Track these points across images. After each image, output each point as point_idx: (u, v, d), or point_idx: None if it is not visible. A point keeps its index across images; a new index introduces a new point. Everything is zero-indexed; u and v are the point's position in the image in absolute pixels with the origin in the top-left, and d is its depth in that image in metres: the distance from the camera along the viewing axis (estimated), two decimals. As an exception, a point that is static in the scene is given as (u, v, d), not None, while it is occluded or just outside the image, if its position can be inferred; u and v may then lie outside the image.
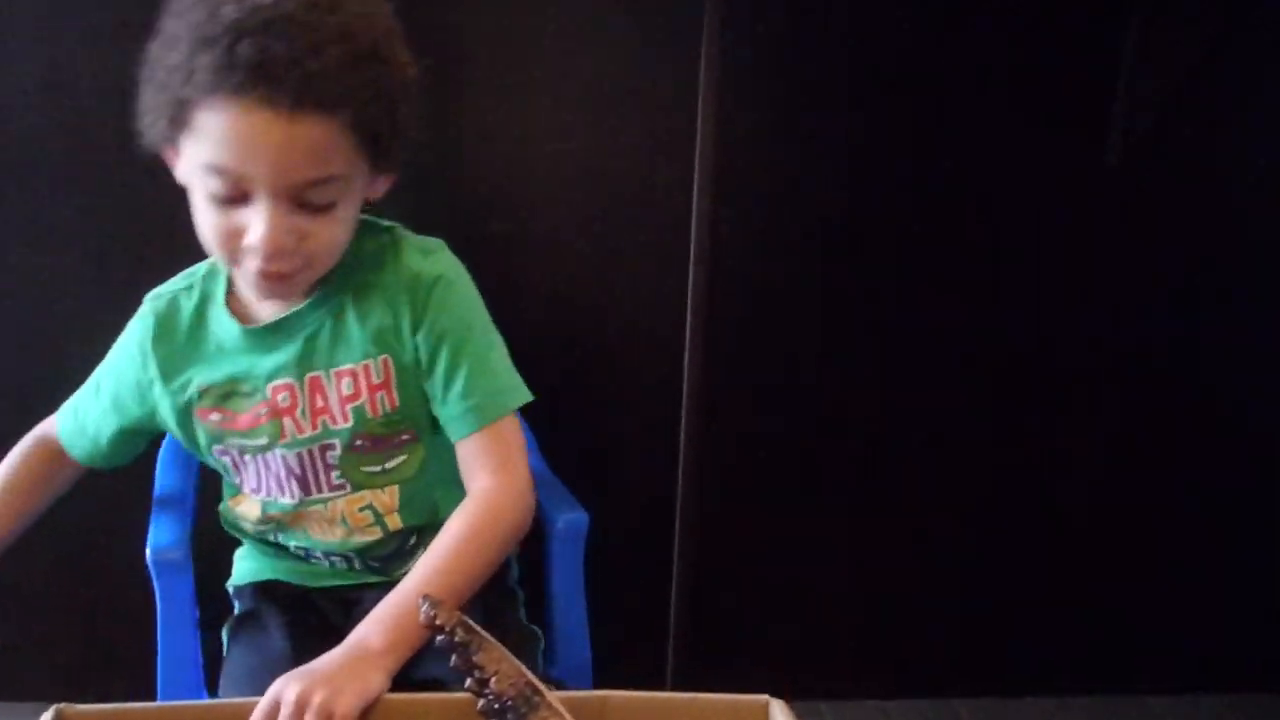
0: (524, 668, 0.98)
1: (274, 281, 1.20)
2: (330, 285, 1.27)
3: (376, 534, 1.33)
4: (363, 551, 1.35)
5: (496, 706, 0.95)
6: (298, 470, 1.30)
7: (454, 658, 0.97)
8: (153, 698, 1.37)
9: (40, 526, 1.91)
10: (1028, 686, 2.18)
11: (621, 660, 1.49)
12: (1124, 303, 2.04)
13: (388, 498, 1.32)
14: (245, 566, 1.44)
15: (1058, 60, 1.92)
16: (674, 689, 2.00)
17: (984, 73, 1.92)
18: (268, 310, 1.29)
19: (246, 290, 1.26)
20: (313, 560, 1.37)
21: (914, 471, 2.08)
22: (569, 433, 1.75)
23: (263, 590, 1.39)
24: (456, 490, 1.31)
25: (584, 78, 1.85)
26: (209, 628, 1.40)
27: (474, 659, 0.97)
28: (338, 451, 1.29)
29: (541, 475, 1.56)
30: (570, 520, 1.48)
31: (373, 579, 1.38)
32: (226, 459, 1.33)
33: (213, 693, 1.38)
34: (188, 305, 1.31)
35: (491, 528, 1.23)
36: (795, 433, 2.04)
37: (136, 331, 1.33)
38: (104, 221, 1.85)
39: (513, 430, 1.29)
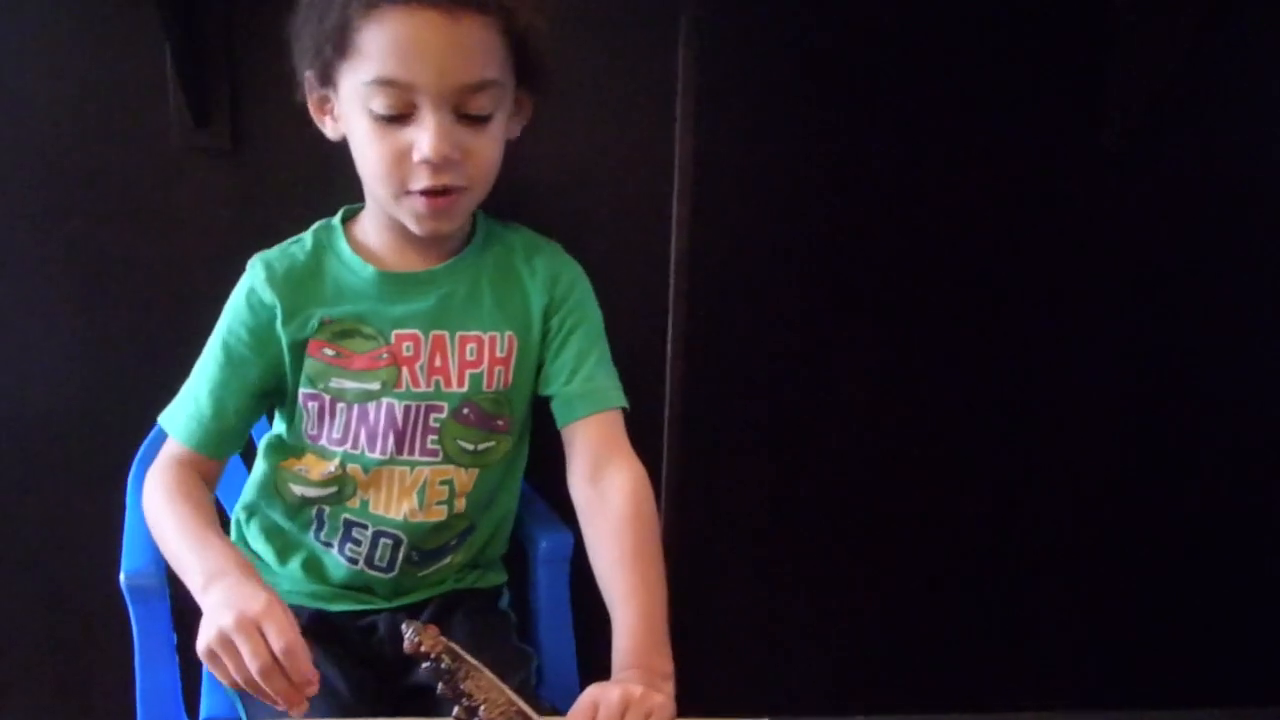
0: (513, 694, 0.96)
1: (439, 202, 1.26)
2: (468, 253, 1.36)
3: (442, 514, 1.36)
4: (416, 537, 1.36)
5: (485, 735, 0.93)
6: (399, 424, 1.32)
7: (440, 685, 0.95)
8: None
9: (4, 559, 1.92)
10: (1023, 702, 2.16)
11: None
12: (1126, 301, 2.00)
13: (467, 478, 1.36)
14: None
15: (1048, 48, 1.87)
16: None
17: (971, 70, 1.88)
18: (401, 264, 1.35)
19: (412, 225, 1.29)
20: (333, 555, 1.36)
21: (903, 481, 2.05)
22: (550, 447, 1.73)
23: None
24: (510, 506, 1.44)
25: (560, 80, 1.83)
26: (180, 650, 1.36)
27: (461, 686, 0.95)
28: (443, 415, 1.33)
29: (524, 494, 1.54)
30: (554, 540, 1.47)
31: (380, 603, 1.38)
32: (315, 405, 1.33)
33: (191, 718, 1.36)
34: (300, 253, 1.36)
35: (654, 515, 1.29)
36: (779, 444, 2.02)
37: (245, 285, 1.35)
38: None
39: (620, 420, 1.36)
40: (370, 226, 1.36)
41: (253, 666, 1.02)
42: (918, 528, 2.07)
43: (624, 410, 1.36)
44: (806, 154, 1.89)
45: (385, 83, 1.21)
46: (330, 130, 1.32)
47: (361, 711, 1.22)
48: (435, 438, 1.33)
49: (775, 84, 1.86)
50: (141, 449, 1.50)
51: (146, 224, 1.76)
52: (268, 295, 1.32)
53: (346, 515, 1.35)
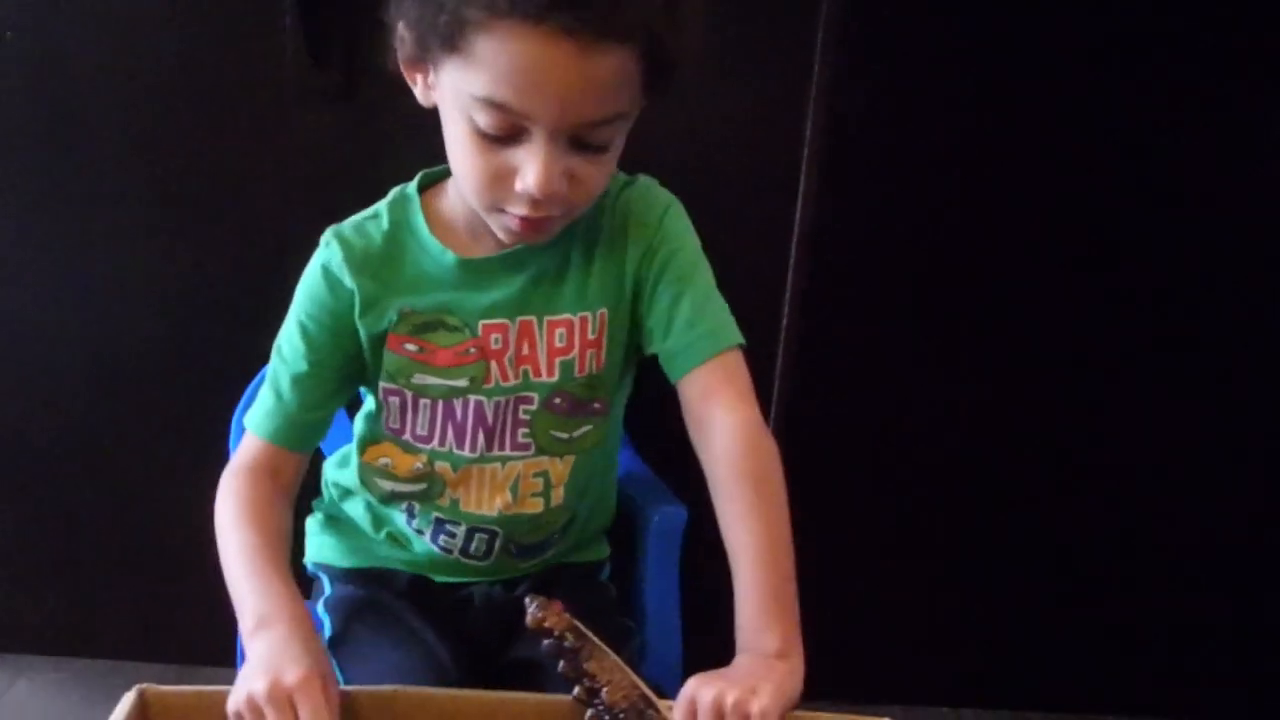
0: (636, 677, 0.92)
1: (533, 229, 1.12)
2: None
3: (538, 507, 1.26)
4: (514, 530, 1.27)
5: (607, 717, 0.90)
6: (489, 421, 1.22)
7: (562, 663, 0.92)
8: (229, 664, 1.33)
9: (116, 495, 1.93)
10: (1039, 701, 2.12)
11: (708, 662, 1.45)
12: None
13: (563, 467, 1.25)
14: (331, 549, 1.38)
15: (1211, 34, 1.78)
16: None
17: (1127, 63, 1.80)
18: (484, 246, 1.20)
19: (501, 235, 1.16)
20: (425, 542, 1.30)
21: (1002, 489, 2.01)
22: (658, 415, 1.70)
23: (371, 576, 1.32)
24: (609, 481, 1.34)
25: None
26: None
27: (584, 666, 0.91)
28: (534, 406, 1.21)
29: (634, 468, 1.51)
30: (667, 514, 1.42)
31: (471, 576, 1.32)
32: (396, 400, 1.23)
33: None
34: (377, 231, 1.22)
35: (777, 469, 1.14)
36: (886, 430, 1.98)
37: (321, 260, 1.21)
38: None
39: (743, 364, 1.19)
40: (455, 202, 1.21)
41: None
42: (1041, 522, 2.02)
43: (737, 346, 1.20)
44: (945, 136, 1.83)
45: (496, 105, 1.03)
46: (421, 96, 1.15)
47: (459, 682, 1.16)
48: (526, 430, 1.23)
49: (918, 59, 1.80)
50: (245, 395, 1.48)
51: (255, 164, 1.74)
52: (346, 278, 1.19)
53: (438, 514, 1.27)
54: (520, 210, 1.08)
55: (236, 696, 0.98)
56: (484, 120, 1.04)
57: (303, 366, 1.20)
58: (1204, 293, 1.91)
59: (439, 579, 1.32)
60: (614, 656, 0.92)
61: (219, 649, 1.63)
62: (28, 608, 2.01)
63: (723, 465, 1.14)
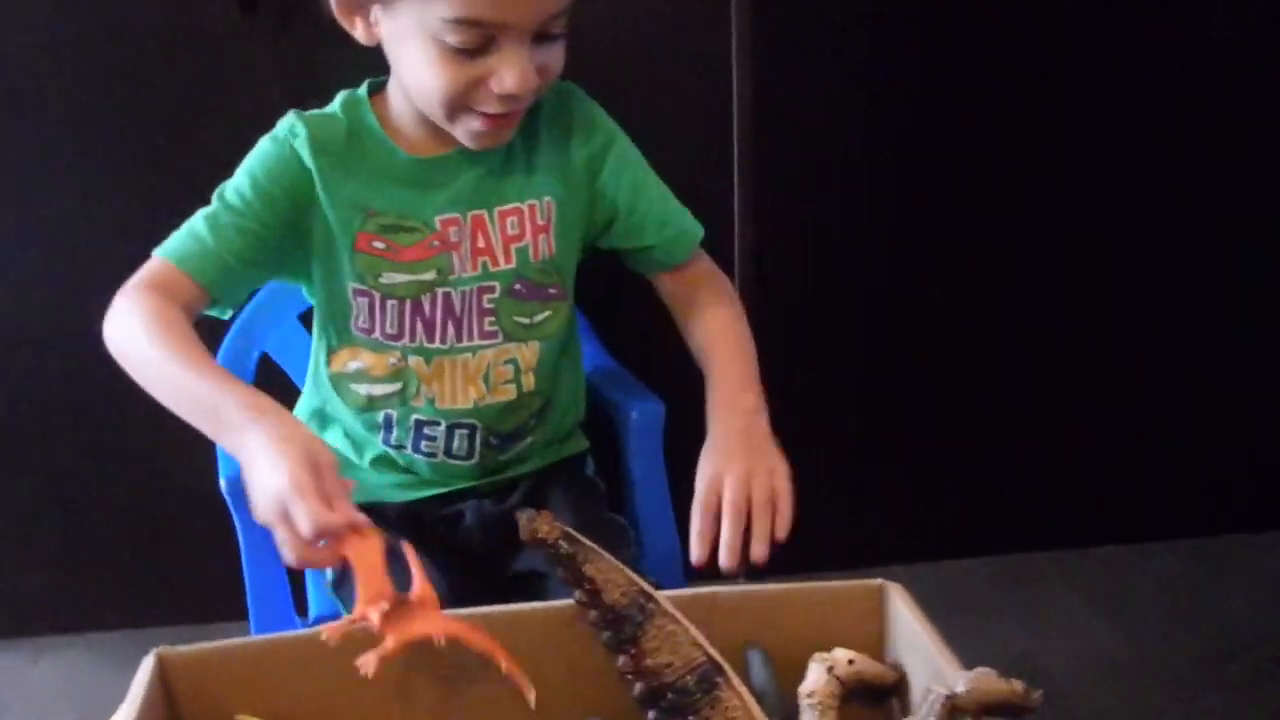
0: (632, 573, 0.94)
1: (503, 122, 1.20)
2: None
3: (511, 394, 1.32)
4: (490, 420, 1.32)
5: (610, 618, 0.92)
6: (456, 312, 1.28)
7: (560, 570, 0.94)
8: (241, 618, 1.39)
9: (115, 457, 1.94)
10: (1105, 535, 2.16)
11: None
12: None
13: (530, 353, 1.32)
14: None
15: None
16: (748, 574, 2.00)
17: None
18: (432, 147, 1.26)
19: (466, 140, 1.23)
20: (406, 455, 1.33)
21: (979, 331, 2.03)
22: (629, 316, 1.71)
23: (363, 512, 1.34)
24: (578, 369, 1.42)
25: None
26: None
27: (582, 570, 0.93)
28: (496, 295, 1.28)
29: (609, 367, 1.53)
30: (646, 409, 1.45)
31: (461, 483, 1.35)
32: (365, 300, 1.27)
33: (302, 616, 1.37)
34: (338, 128, 1.26)
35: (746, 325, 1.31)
36: (857, 292, 2.00)
37: (284, 132, 1.25)
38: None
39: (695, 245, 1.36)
40: (404, 108, 1.26)
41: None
42: (1011, 381, 2.05)
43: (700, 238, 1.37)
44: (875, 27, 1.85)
45: (470, 23, 1.11)
46: (361, 34, 1.21)
47: (455, 604, 1.20)
48: (492, 319, 1.29)
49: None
50: (219, 354, 1.48)
51: (191, 111, 1.73)
52: (306, 156, 1.23)
53: (416, 416, 1.31)
54: (493, 109, 1.17)
55: (265, 494, 0.97)
56: (457, 39, 1.12)
57: (241, 209, 1.21)
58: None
59: (428, 494, 1.35)
60: (609, 557, 0.94)
61: (229, 606, 1.66)
62: (39, 588, 2.03)
63: (709, 313, 1.32)
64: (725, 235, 1.87)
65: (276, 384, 1.49)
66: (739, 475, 1.11)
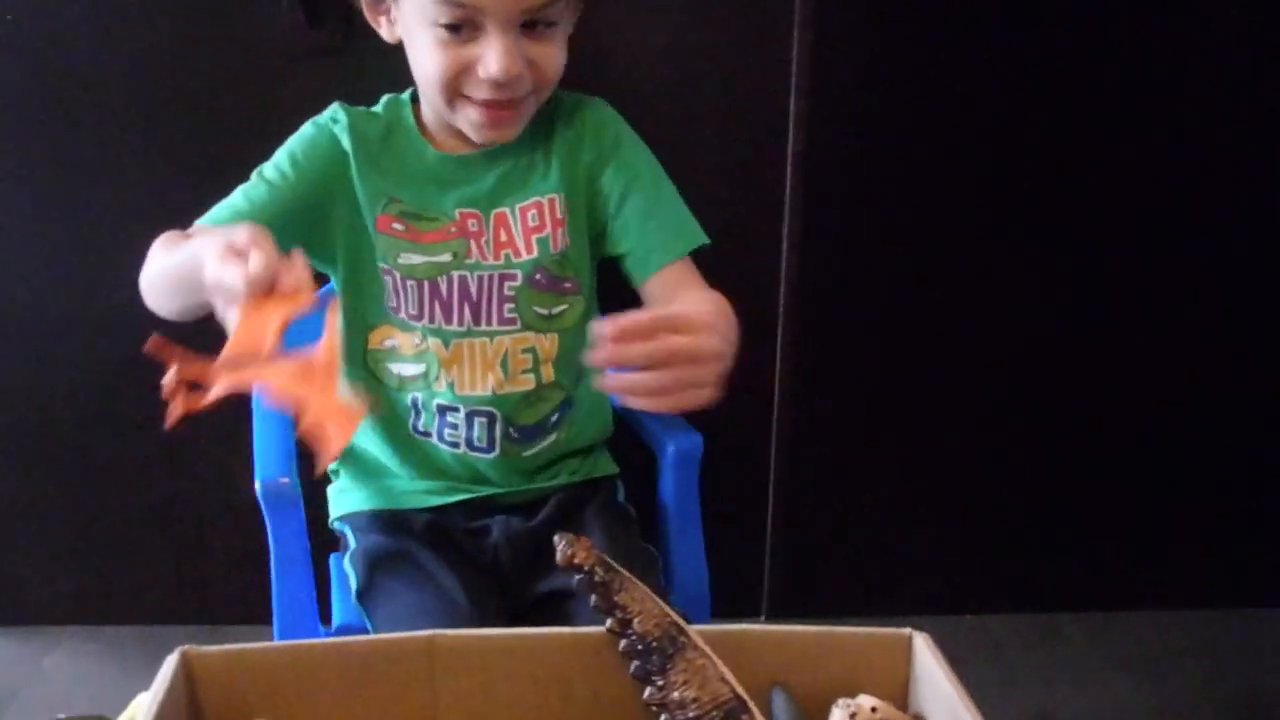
0: (666, 606, 0.93)
1: (499, 114, 1.25)
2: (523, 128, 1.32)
3: (530, 383, 1.34)
4: (509, 410, 1.34)
5: (640, 648, 0.91)
6: (474, 295, 1.32)
7: (594, 598, 0.93)
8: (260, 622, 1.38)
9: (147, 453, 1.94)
10: (1134, 600, 2.14)
11: (731, 589, 1.48)
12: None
13: (549, 344, 1.34)
14: (350, 497, 1.41)
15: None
16: (770, 614, 2.00)
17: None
18: (460, 145, 1.33)
19: (470, 133, 1.29)
20: (434, 443, 1.36)
21: (1015, 393, 2.02)
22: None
23: (391, 522, 1.36)
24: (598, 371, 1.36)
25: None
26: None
27: (615, 599, 0.92)
28: (518, 283, 1.32)
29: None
30: (685, 443, 1.44)
31: (488, 488, 1.37)
32: (390, 280, 1.32)
33: (326, 625, 1.37)
34: (376, 124, 1.35)
35: (730, 315, 1.16)
36: (891, 351, 1.99)
37: (327, 119, 1.35)
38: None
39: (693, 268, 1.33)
40: (429, 110, 1.35)
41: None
42: (1036, 436, 2.04)
43: (702, 240, 1.33)
44: (931, 57, 1.84)
45: (450, 2, 1.18)
46: (386, 33, 1.31)
47: (477, 618, 1.21)
48: (511, 306, 1.32)
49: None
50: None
51: (255, 125, 1.74)
52: (345, 141, 1.31)
53: (439, 401, 1.34)
54: (482, 95, 1.22)
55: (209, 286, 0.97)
56: (444, 16, 1.19)
57: (276, 180, 1.30)
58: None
59: (455, 499, 1.36)
60: (643, 588, 0.93)
61: (249, 608, 1.66)
62: (56, 580, 2.03)
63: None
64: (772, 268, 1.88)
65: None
66: (699, 324, 1.00)
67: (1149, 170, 1.91)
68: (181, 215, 1.76)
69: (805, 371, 1.93)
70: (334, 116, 1.34)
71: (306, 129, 1.35)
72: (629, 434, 1.53)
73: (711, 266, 1.77)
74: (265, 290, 0.92)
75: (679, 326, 0.98)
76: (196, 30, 1.72)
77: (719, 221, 1.66)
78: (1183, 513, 2.10)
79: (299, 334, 0.92)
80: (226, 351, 0.91)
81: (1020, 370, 2.01)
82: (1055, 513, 2.09)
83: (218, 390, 0.89)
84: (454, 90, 1.24)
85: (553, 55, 1.26)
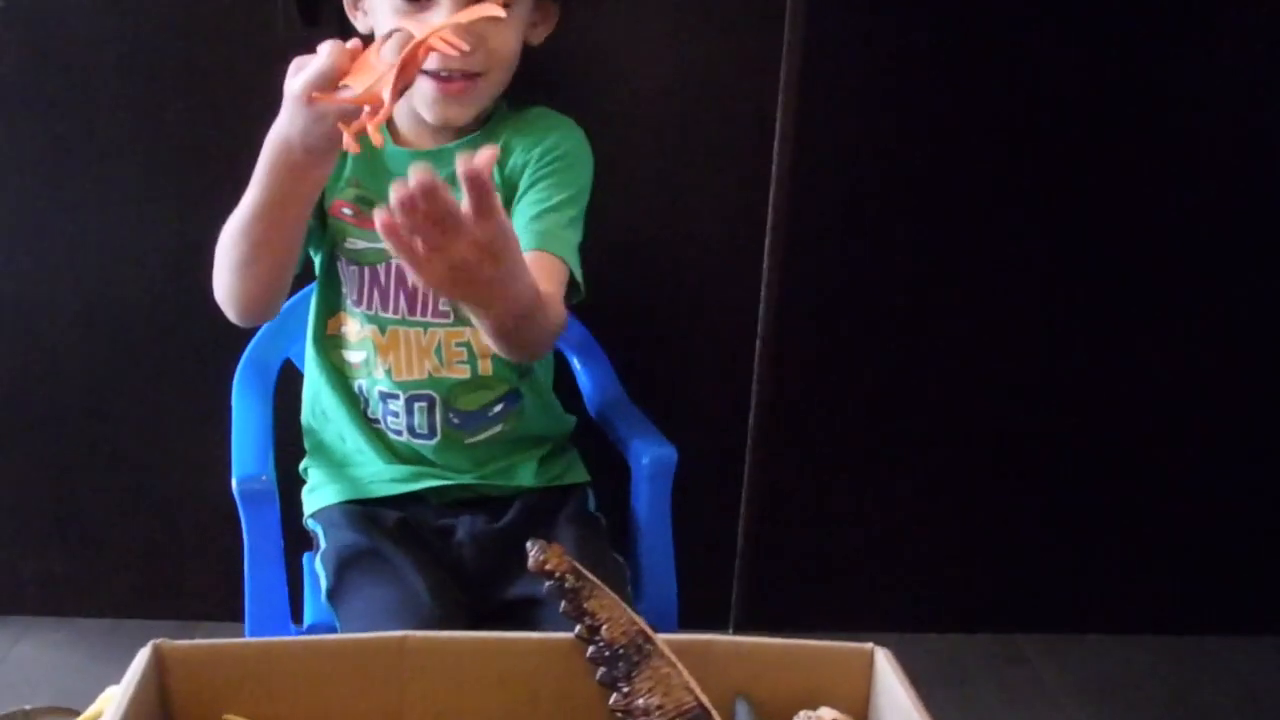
0: (634, 614, 0.95)
1: (449, 86, 1.29)
2: (479, 134, 1.37)
3: (465, 373, 1.37)
4: (446, 393, 1.37)
5: (607, 654, 0.93)
6: (410, 284, 1.34)
7: (564, 604, 0.95)
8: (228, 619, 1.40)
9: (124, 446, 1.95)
10: (1094, 624, 2.16)
11: (700, 603, 1.49)
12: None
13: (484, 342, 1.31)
14: (322, 493, 1.42)
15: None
16: (738, 626, 2.01)
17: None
18: (418, 139, 1.37)
19: (425, 111, 1.32)
20: (383, 430, 1.38)
21: (983, 418, 2.04)
22: (645, 360, 1.72)
23: (361, 518, 1.37)
24: (547, 371, 1.45)
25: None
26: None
27: (585, 605, 0.94)
28: None
29: (628, 410, 1.54)
30: (659, 455, 1.45)
31: (461, 478, 1.38)
32: (338, 265, 1.37)
33: (297, 624, 1.38)
34: None
35: (547, 310, 1.18)
36: (865, 371, 2.00)
37: None
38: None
39: (562, 276, 1.30)
40: (400, 104, 1.34)
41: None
42: (1011, 452, 2.06)
43: (567, 259, 1.32)
44: (920, 72, 1.85)
45: None
46: (360, 24, 1.36)
47: (440, 618, 1.22)
48: (446, 301, 1.35)
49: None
50: (246, 353, 1.50)
51: (248, 120, 1.75)
52: None
53: (379, 388, 1.38)
54: (434, 64, 1.25)
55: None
56: None
57: None
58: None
59: (427, 485, 1.38)
60: (612, 595, 0.95)
61: (220, 605, 1.66)
62: (26, 569, 2.02)
63: None
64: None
65: (295, 390, 1.51)
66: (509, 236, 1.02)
67: (1142, 188, 1.94)
68: (172, 211, 1.79)
69: (781, 387, 1.94)
70: None
71: None
72: (601, 443, 1.55)
73: (693, 284, 1.80)
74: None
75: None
76: (193, 28, 1.72)
77: (700, 235, 1.69)
78: (1145, 538, 2.12)
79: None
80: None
81: (989, 395, 2.03)
82: (1019, 536, 2.10)
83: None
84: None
85: (501, 35, 1.29)
